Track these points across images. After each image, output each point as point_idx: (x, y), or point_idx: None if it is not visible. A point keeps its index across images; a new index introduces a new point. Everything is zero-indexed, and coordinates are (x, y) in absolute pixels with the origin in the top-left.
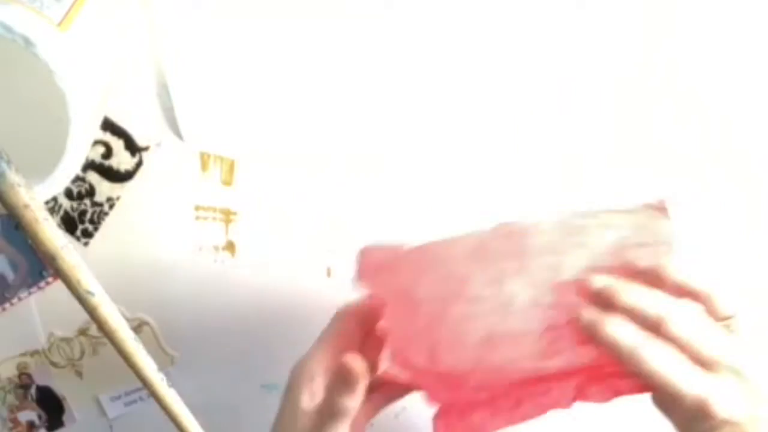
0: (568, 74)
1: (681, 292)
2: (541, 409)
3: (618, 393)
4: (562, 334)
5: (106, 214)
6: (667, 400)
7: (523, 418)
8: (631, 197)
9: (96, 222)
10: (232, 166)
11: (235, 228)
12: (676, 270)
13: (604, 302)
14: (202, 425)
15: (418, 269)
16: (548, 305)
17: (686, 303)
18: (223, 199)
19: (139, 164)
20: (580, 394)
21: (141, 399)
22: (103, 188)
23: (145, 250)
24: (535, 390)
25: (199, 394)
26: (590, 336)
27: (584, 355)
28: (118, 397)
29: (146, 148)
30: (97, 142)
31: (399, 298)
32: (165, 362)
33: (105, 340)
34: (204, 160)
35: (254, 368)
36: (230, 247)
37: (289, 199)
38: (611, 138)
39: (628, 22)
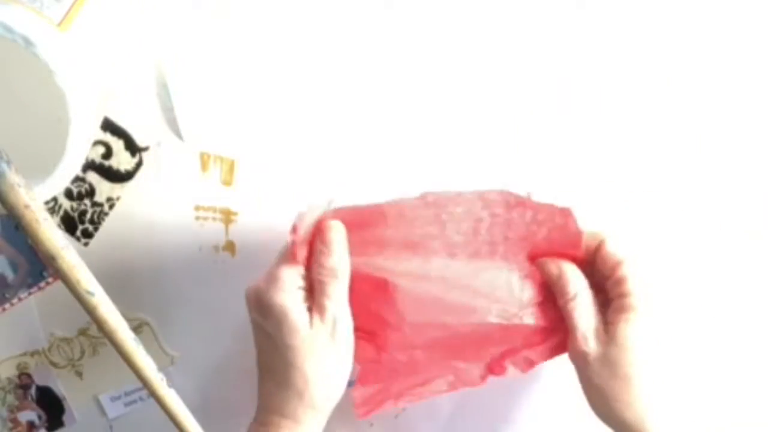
0: (568, 74)
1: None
2: (452, 387)
3: (531, 363)
4: (476, 291)
5: (106, 214)
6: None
7: (439, 393)
8: (630, 196)
9: (96, 222)
10: (232, 166)
11: (235, 228)
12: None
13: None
14: (202, 425)
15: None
16: (464, 264)
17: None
18: (223, 200)
19: (139, 164)
20: (496, 368)
21: (141, 399)
22: (103, 188)
23: (145, 250)
24: (446, 367)
25: (198, 393)
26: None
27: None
28: (118, 397)
29: (146, 149)
30: (97, 143)
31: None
32: (165, 362)
33: (105, 340)
34: (204, 160)
35: (254, 368)
36: (230, 247)
37: (289, 199)
38: (610, 136)
39: (629, 22)
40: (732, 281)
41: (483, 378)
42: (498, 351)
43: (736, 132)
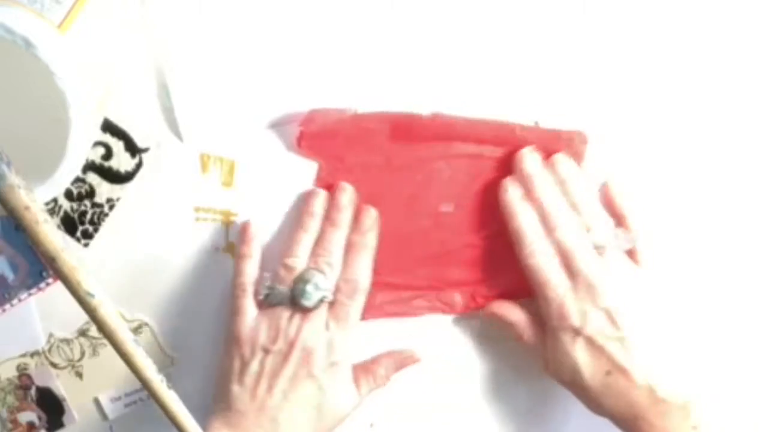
0: (571, 75)
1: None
2: (431, 307)
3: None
4: (472, 206)
5: (106, 215)
6: (540, 303)
7: (418, 311)
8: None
9: (96, 223)
10: (232, 168)
11: (235, 229)
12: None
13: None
14: (202, 426)
15: (353, 136)
16: (463, 185)
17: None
18: (224, 201)
19: (139, 165)
20: (473, 302)
21: (141, 400)
22: (103, 189)
23: (145, 251)
24: (435, 287)
25: (198, 394)
26: (502, 209)
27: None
28: (118, 398)
29: (146, 150)
30: (97, 144)
31: (332, 162)
32: (165, 363)
33: (105, 341)
34: (204, 161)
35: None
36: (230, 248)
37: (289, 201)
38: (610, 134)
39: (630, 25)
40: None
41: (464, 307)
42: (480, 284)
43: (737, 132)
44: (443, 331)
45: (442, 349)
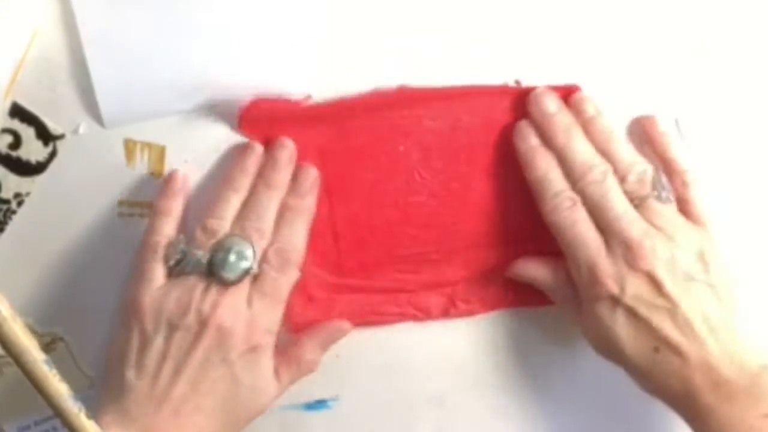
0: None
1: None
2: (406, 314)
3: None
4: (448, 192)
5: (14, 212)
6: (570, 265)
7: (386, 319)
8: None
9: (2, 222)
10: (162, 154)
11: None
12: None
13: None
14: None
15: (303, 119)
16: (436, 168)
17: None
18: (152, 193)
19: (52, 155)
20: (453, 307)
21: (54, 429)
22: (11, 183)
23: (59, 254)
24: (405, 290)
25: None
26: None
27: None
28: (27, 428)
29: (61, 136)
30: (3, 131)
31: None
32: (83, 384)
33: (10, 359)
34: (129, 148)
35: None
36: None
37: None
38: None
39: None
40: None
41: (443, 312)
42: (461, 284)
43: (737, 132)
44: (416, 343)
45: (416, 363)
